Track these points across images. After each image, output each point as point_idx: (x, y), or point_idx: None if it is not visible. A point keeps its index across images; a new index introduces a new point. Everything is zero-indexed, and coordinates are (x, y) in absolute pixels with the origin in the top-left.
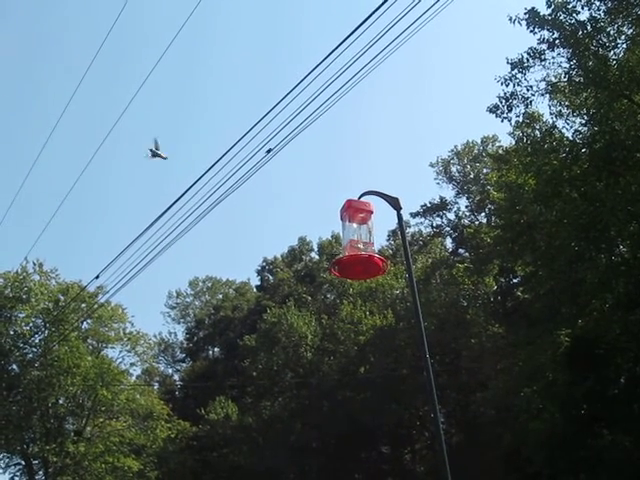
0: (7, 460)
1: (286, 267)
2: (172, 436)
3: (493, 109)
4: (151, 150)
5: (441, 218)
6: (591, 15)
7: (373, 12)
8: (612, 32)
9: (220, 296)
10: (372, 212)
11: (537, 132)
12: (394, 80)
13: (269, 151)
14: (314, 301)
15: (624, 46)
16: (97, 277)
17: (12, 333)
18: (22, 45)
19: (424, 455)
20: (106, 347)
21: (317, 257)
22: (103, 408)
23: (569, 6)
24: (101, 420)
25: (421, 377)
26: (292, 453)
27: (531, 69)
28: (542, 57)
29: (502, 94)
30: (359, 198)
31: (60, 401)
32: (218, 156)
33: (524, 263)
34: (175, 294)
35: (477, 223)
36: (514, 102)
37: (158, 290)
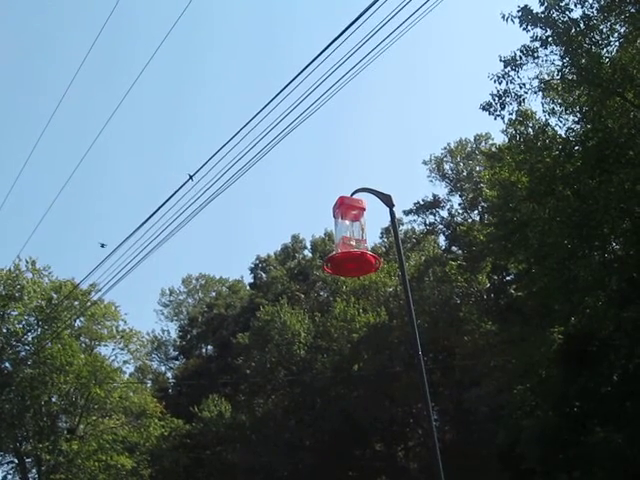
0: (0, 458)
1: (279, 265)
2: (165, 434)
3: (486, 107)
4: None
5: (434, 216)
6: (584, 13)
7: (366, 10)
8: (605, 30)
9: (213, 294)
10: (365, 209)
11: (530, 130)
12: (387, 78)
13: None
14: (307, 299)
15: (617, 44)
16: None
17: (5, 331)
18: (18, 40)
19: (417, 452)
20: (99, 345)
21: (310, 255)
22: (96, 406)
23: (562, 4)
24: (94, 418)
25: (414, 374)
26: (285, 450)
27: (524, 67)
28: (535, 55)
29: (495, 92)
30: (352, 195)
31: (53, 399)
32: (210, 154)
33: (517, 261)
34: (168, 292)
35: (470, 221)
36: (507, 100)
37: (151, 288)
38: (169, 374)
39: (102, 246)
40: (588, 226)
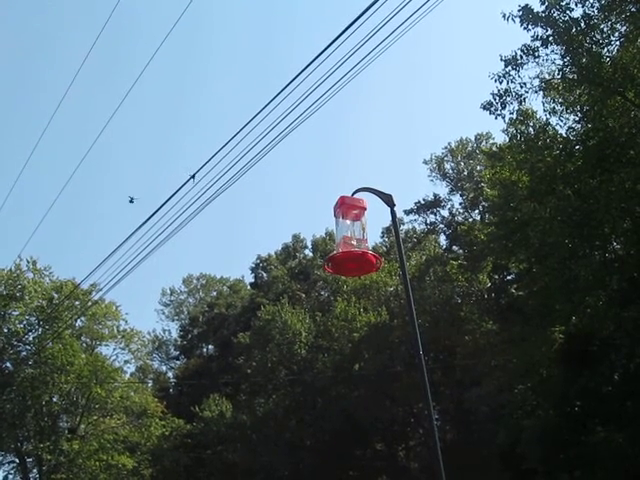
0: (1, 458)
1: (280, 264)
2: (166, 434)
3: (487, 106)
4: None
5: (435, 215)
6: (585, 12)
7: (367, 9)
8: (606, 29)
9: (214, 293)
10: (365, 209)
11: (531, 129)
12: (388, 77)
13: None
14: (308, 298)
15: (617, 43)
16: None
17: (6, 331)
18: (18, 40)
19: (418, 452)
20: (100, 345)
21: (311, 254)
22: (97, 406)
23: (563, 3)
24: (95, 418)
25: (415, 374)
26: (286, 450)
27: (525, 66)
28: (536, 54)
29: (496, 91)
30: (352, 195)
31: (54, 399)
32: (211, 153)
33: (518, 260)
34: (169, 291)
35: (471, 220)
36: (508, 99)
37: (152, 287)
38: (170, 374)
39: (131, 201)
40: (589, 226)
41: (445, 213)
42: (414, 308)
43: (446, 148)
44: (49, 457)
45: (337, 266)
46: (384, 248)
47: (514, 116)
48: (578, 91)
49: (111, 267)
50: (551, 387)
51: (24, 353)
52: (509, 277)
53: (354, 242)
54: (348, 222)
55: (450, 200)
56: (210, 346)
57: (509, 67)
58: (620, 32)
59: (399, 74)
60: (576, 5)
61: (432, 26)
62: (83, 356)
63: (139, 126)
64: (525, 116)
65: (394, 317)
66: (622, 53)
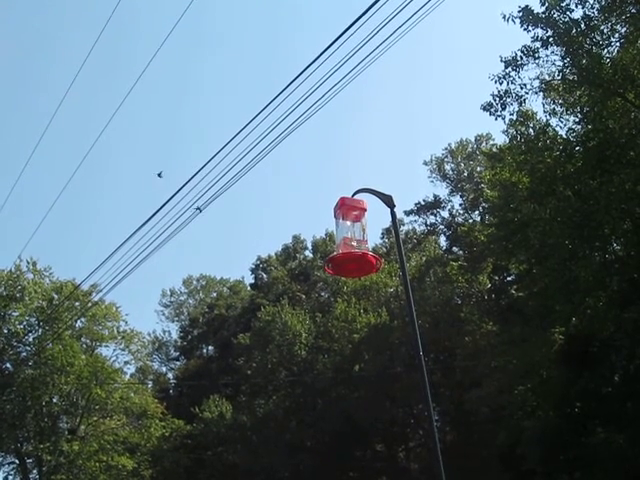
0: (1, 459)
1: (280, 265)
2: (166, 435)
3: (487, 107)
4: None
5: (435, 216)
6: (585, 13)
7: (368, 9)
8: (606, 30)
9: (214, 294)
10: (366, 210)
11: (531, 130)
12: (388, 78)
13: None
14: (308, 299)
15: (618, 44)
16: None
17: (6, 332)
18: (19, 40)
19: (418, 453)
20: (100, 345)
21: (311, 255)
22: (97, 407)
23: (563, 4)
24: (95, 419)
25: (415, 375)
26: (286, 451)
27: (525, 67)
28: (536, 55)
29: (496, 92)
30: (353, 196)
31: (54, 400)
32: (212, 153)
33: (518, 261)
34: (169, 292)
35: (471, 221)
36: (508, 100)
37: (152, 288)
38: (170, 375)
39: (159, 175)
40: (589, 227)
41: (445, 214)
42: (414, 309)
43: (446, 149)
44: (49, 458)
45: (337, 267)
46: (384, 249)
47: (514, 117)
48: (578, 92)
49: (111, 268)
50: (551, 388)
51: (24, 354)
52: (509, 278)
53: (354, 243)
54: (348, 223)
55: (450, 201)
56: (210, 347)
57: (509, 68)
58: (620, 33)
59: (399, 75)
60: (576, 6)
61: (433, 27)
62: (83, 357)
63: (140, 126)
64: (525, 117)
65: (394, 318)
66: (622, 54)
